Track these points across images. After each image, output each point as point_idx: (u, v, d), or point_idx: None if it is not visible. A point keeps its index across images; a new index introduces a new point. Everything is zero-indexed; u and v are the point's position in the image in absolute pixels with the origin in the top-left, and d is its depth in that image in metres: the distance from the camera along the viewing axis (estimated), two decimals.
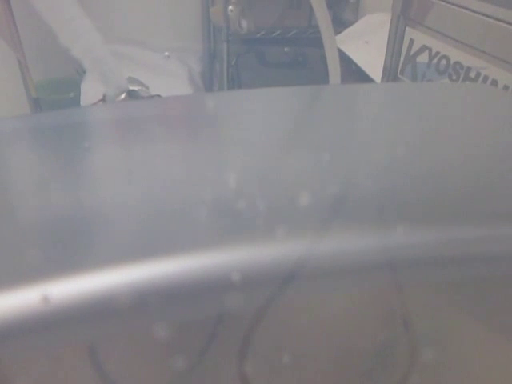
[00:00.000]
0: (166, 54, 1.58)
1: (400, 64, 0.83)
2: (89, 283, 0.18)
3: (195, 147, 0.30)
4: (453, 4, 0.69)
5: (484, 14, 0.63)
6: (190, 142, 0.30)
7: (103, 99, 0.59)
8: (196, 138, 0.31)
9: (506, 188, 0.25)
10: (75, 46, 0.29)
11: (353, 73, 1.20)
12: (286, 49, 1.52)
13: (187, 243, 0.20)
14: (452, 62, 0.69)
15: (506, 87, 0.59)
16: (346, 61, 1.20)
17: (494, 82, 0.61)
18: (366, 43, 1.06)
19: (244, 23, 1.30)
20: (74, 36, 0.28)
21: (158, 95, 0.58)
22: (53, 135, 0.31)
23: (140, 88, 0.57)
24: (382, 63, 0.87)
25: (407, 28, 0.80)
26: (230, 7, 1.29)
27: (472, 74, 0.65)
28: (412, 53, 0.79)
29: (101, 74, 0.30)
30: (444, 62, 0.71)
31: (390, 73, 0.86)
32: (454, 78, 0.69)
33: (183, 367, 0.21)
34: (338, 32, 1.37)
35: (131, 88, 0.55)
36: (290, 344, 0.22)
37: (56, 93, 1.40)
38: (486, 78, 0.63)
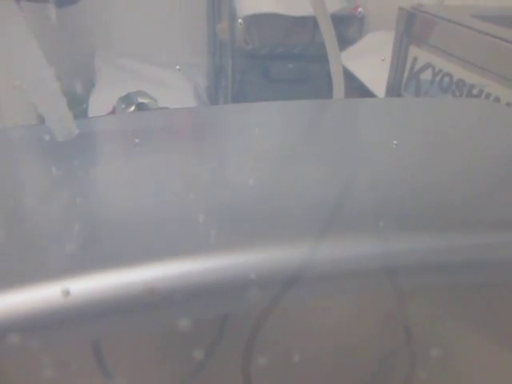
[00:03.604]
0: (178, 67, 1.60)
1: (403, 81, 0.84)
2: (105, 281, 0.19)
3: (204, 156, 0.30)
4: (456, 23, 0.71)
5: (486, 33, 0.65)
6: (199, 151, 0.31)
7: (112, 112, 0.60)
8: (204, 147, 0.32)
9: (503, 198, 0.26)
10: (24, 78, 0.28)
11: (356, 89, 1.21)
12: (290, 65, 1.54)
13: (196, 246, 0.21)
14: (455, 80, 0.70)
15: (508, 104, 0.60)
16: (349, 78, 1.21)
17: (497, 100, 0.62)
18: (382, 61, 1.07)
19: (249, 40, 1.32)
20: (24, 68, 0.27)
21: (167, 108, 0.59)
22: (66, 144, 0.32)
23: (149, 101, 0.58)
24: (386, 80, 0.88)
25: (411, 46, 0.81)
26: (240, 20, 1.31)
27: (475, 92, 0.66)
28: (415, 70, 0.80)
29: (48, 107, 0.28)
30: (447, 79, 0.72)
31: (394, 90, 0.87)
32: (457, 95, 0.70)
33: (189, 367, 0.21)
34: (341, 49, 1.39)
35: (141, 101, 0.56)
36: (293, 347, 0.23)
37: None
38: (488, 96, 0.64)
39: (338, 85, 0.50)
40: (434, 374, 0.25)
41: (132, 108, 0.56)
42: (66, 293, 0.17)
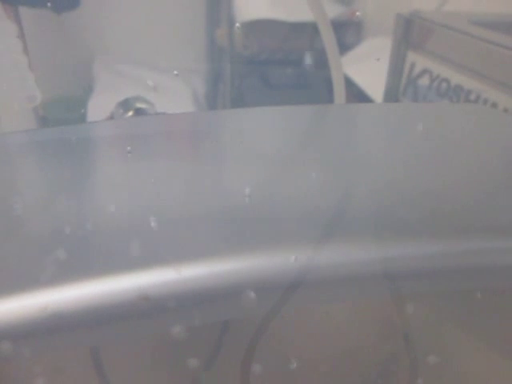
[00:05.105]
0: (175, 72, 1.60)
1: (401, 86, 0.84)
2: (93, 291, 0.19)
3: (201, 162, 0.30)
4: (453, 29, 0.71)
5: (484, 39, 0.65)
6: (196, 156, 0.31)
7: (110, 117, 0.60)
8: (202, 153, 0.32)
9: (501, 204, 0.26)
10: None
11: (355, 95, 1.21)
12: (288, 71, 1.54)
13: (193, 253, 0.21)
14: (452, 85, 0.71)
15: (505, 110, 0.61)
16: (347, 83, 1.21)
17: (494, 105, 0.63)
18: (377, 60, 1.07)
19: (248, 45, 1.33)
20: None
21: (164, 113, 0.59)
22: (64, 149, 0.32)
23: (147, 106, 0.58)
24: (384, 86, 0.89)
25: (408, 51, 0.81)
26: (237, 24, 1.32)
27: (472, 97, 0.66)
28: (413, 76, 0.80)
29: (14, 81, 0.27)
30: (445, 84, 0.72)
31: (391, 95, 0.87)
32: (455, 100, 0.70)
33: (189, 373, 0.21)
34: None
35: (139, 106, 0.56)
36: (292, 354, 0.23)
37: (63, 111, 1.41)
38: (485, 101, 0.64)
39: (339, 90, 0.50)
40: (434, 380, 0.25)
41: (130, 113, 0.56)
42: (60, 302, 0.17)
